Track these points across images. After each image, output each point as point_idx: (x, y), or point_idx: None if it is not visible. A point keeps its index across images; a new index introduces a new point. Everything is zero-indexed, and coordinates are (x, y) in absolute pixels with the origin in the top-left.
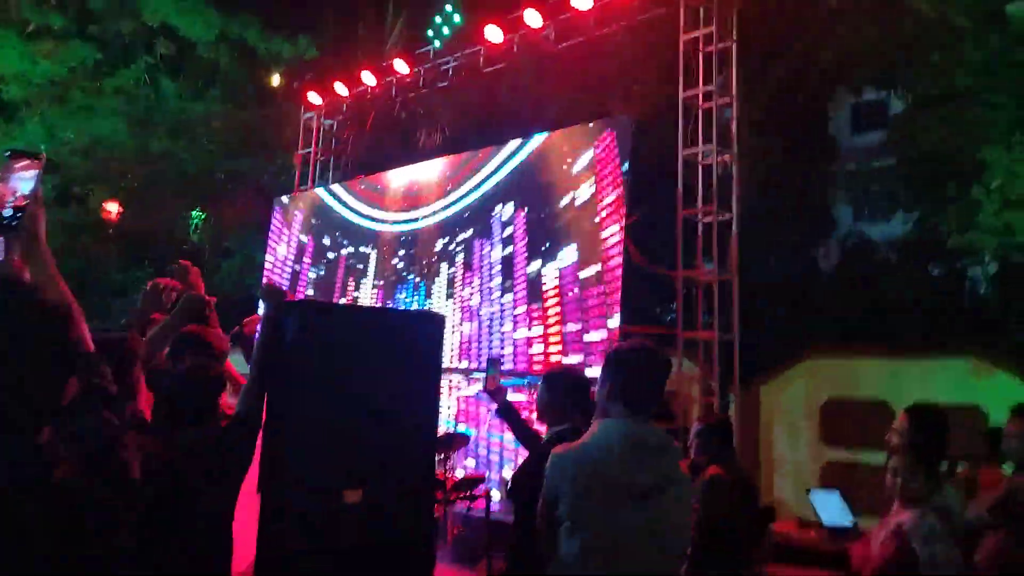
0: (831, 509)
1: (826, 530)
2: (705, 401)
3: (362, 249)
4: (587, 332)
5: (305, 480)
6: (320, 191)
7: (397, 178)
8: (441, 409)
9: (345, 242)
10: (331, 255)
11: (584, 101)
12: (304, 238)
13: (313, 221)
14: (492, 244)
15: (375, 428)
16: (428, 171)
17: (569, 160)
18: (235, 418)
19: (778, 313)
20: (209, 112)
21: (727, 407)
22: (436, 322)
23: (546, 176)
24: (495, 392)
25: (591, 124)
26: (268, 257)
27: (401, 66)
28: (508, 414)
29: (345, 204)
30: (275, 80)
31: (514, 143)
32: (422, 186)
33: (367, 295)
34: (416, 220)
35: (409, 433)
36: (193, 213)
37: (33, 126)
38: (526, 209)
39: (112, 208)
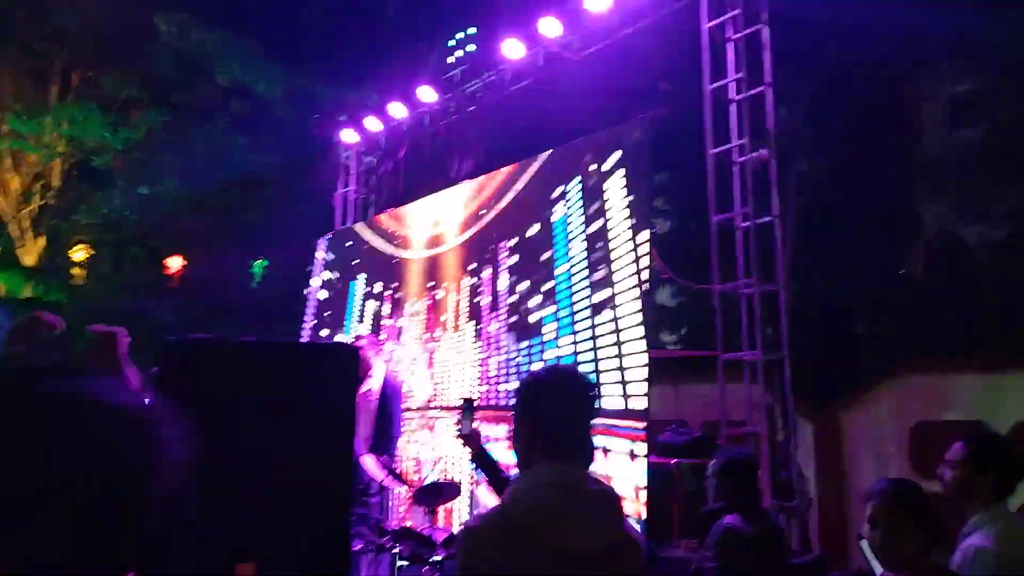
0: None
1: None
2: (729, 432)
3: (390, 284)
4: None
5: (188, 555)
6: (354, 227)
7: (419, 210)
8: (438, 456)
9: (375, 277)
10: (364, 290)
11: (611, 107)
12: (334, 275)
13: (347, 259)
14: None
15: (270, 488)
16: (449, 200)
17: (582, 173)
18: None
19: (856, 327)
20: (265, 162)
21: (787, 438)
22: (345, 356)
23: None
24: (469, 437)
25: (610, 129)
26: (311, 297)
27: (427, 95)
28: (483, 462)
29: (372, 240)
30: (314, 125)
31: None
32: (444, 216)
33: (395, 330)
34: (439, 249)
35: (313, 490)
36: (255, 263)
37: (119, 194)
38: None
39: (174, 263)
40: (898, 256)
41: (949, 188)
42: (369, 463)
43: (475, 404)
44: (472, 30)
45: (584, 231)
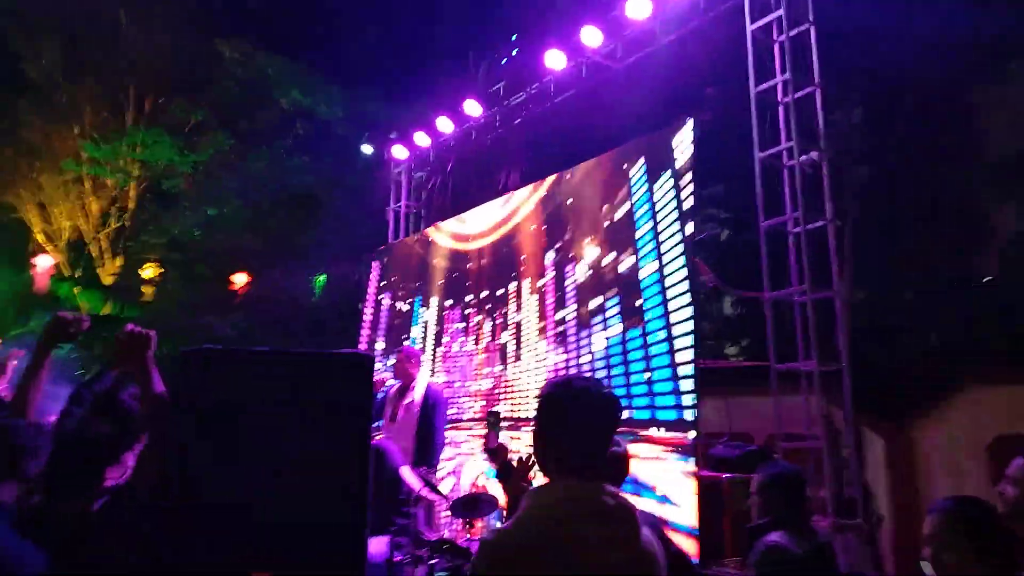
0: None
1: None
2: (785, 446)
3: (444, 295)
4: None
5: (202, 563)
6: (407, 240)
7: (472, 219)
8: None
9: (427, 288)
10: (419, 304)
11: (656, 114)
12: (387, 289)
13: (399, 272)
14: (565, 277)
15: (284, 495)
16: (488, 211)
17: (625, 180)
18: (122, 490)
19: (928, 337)
20: (323, 180)
21: (851, 453)
22: (362, 365)
23: (595, 202)
24: (495, 452)
25: (653, 136)
26: (367, 311)
27: (473, 108)
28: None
29: (426, 253)
30: (366, 148)
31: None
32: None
33: (451, 343)
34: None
35: (329, 498)
36: (316, 277)
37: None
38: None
39: (239, 280)
40: (969, 262)
41: (1022, 191)
42: (407, 474)
43: (501, 416)
44: (513, 37)
45: (636, 238)
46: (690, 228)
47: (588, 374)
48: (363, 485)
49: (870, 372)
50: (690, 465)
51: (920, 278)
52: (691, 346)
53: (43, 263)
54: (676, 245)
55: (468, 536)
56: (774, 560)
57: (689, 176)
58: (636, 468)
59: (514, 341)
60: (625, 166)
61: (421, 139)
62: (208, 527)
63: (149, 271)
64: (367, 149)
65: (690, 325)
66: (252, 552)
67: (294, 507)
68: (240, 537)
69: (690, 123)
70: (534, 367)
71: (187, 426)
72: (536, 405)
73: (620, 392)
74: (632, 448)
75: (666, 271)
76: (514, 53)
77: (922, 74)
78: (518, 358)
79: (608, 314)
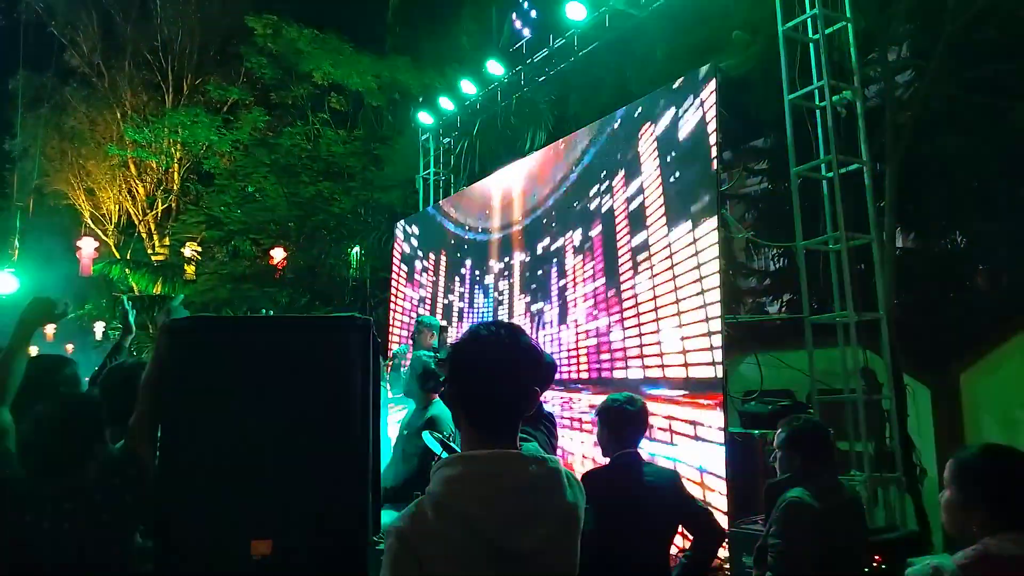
0: None
1: None
2: (821, 399)
3: (469, 261)
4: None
5: (202, 531)
6: (431, 209)
7: (490, 185)
8: None
9: (458, 256)
10: (447, 272)
11: (684, 61)
12: (418, 257)
13: (425, 240)
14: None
15: (283, 464)
16: (515, 173)
17: (652, 129)
18: (117, 461)
19: (976, 281)
20: (350, 151)
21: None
22: (359, 329)
23: (630, 151)
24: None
25: (675, 84)
26: (394, 279)
27: (495, 68)
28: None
29: (449, 219)
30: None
31: (595, 125)
32: (513, 189)
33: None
34: (509, 226)
35: (331, 466)
36: (351, 251)
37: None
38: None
39: (277, 254)
40: (1020, 201)
41: None
42: (427, 437)
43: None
44: None
45: (661, 192)
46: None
47: (622, 330)
48: (364, 448)
49: (912, 319)
50: (721, 421)
51: (968, 222)
52: (718, 301)
53: (87, 247)
54: (704, 199)
55: None
56: (792, 516)
57: (713, 125)
58: (672, 425)
59: (550, 305)
60: (647, 124)
61: (446, 103)
62: (204, 495)
63: (189, 251)
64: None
65: (716, 280)
66: (252, 519)
67: (293, 473)
68: (239, 504)
69: (702, 81)
70: (567, 331)
71: (180, 396)
72: (449, 357)
73: (652, 351)
74: (665, 408)
75: (696, 230)
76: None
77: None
78: (555, 321)
79: (640, 271)
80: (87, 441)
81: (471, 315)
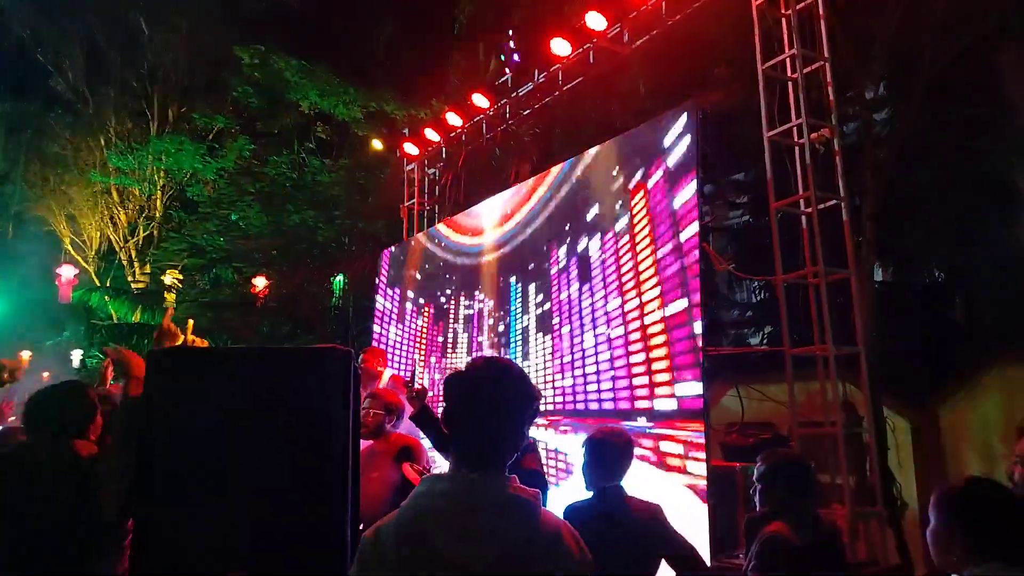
0: None
1: None
2: (800, 433)
3: (459, 292)
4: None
5: (179, 560)
6: (419, 237)
7: (474, 215)
8: None
9: (443, 285)
10: (433, 301)
11: (667, 97)
12: (395, 287)
13: (412, 269)
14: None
15: (259, 493)
16: (498, 206)
17: (627, 168)
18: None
19: (955, 314)
20: (335, 181)
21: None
22: (340, 359)
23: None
24: (414, 397)
25: (647, 124)
26: (378, 305)
27: (480, 101)
28: (423, 422)
29: (439, 247)
30: (376, 144)
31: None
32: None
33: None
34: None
35: (310, 497)
36: (335, 279)
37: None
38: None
39: (260, 282)
40: (1000, 237)
41: None
42: (408, 470)
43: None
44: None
45: (635, 225)
46: (680, 215)
47: (598, 364)
48: (343, 479)
49: (895, 353)
50: (702, 454)
51: (946, 255)
52: (699, 334)
53: (66, 273)
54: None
55: None
56: (772, 551)
57: (691, 164)
58: (654, 458)
59: (527, 334)
60: (629, 154)
61: (431, 135)
62: (183, 524)
63: (169, 278)
64: (377, 145)
65: (698, 312)
66: (230, 549)
67: (272, 503)
68: (217, 533)
69: (683, 118)
70: (542, 361)
71: (161, 425)
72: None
73: (641, 381)
74: (647, 441)
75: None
76: (512, 40)
77: (937, 44)
78: (541, 351)
79: (627, 305)
80: None
81: (456, 346)
